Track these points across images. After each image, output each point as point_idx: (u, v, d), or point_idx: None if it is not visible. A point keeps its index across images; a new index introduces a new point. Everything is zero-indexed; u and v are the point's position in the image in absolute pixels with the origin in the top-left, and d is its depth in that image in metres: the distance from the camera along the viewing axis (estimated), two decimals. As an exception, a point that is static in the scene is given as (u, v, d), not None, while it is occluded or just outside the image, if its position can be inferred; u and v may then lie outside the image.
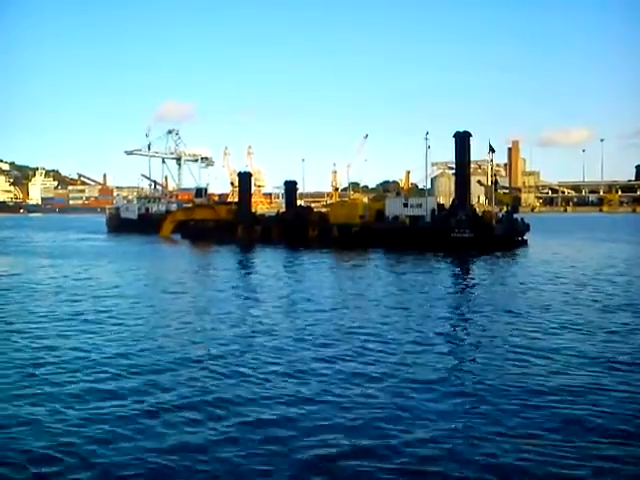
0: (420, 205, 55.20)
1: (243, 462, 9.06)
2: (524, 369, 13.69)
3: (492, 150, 58.12)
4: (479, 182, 77.77)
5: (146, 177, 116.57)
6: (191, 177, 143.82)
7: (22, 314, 21.17)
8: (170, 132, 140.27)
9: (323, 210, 71.55)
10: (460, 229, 50.40)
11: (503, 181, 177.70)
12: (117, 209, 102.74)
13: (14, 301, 24.12)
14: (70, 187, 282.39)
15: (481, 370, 13.69)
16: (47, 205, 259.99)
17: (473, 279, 32.09)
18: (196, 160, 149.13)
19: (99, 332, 18.01)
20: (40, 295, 25.77)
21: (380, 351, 15.41)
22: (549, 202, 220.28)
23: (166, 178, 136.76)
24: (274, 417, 10.82)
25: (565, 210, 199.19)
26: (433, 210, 54.74)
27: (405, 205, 55.82)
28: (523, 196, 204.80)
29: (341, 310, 21.51)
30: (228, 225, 65.80)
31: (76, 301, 23.81)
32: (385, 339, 16.73)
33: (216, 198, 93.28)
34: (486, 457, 9.11)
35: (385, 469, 8.78)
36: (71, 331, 18.18)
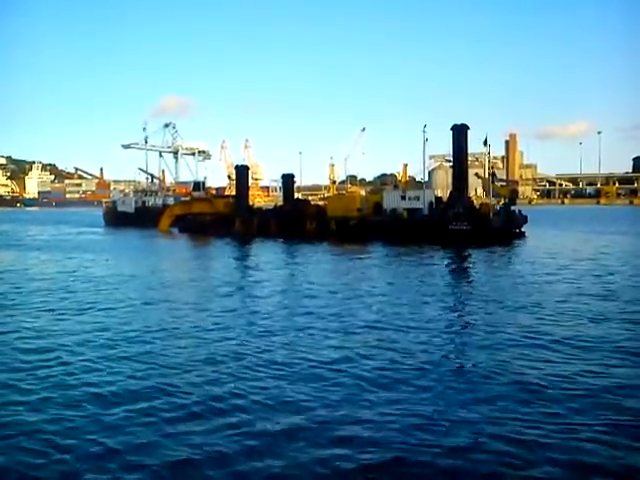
0: (418, 198, 55.18)
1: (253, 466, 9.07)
2: (523, 361, 13.73)
3: (485, 143, 58.25)
4: (476, 175, 77.51)
5: (143, 171, 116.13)
6: (188, 171, 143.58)
7: (26, 312, 21.11)
8: (167, 125, 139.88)
9: (321, 203, 71.36)
10: (457, 222, 50.42)
11: (500, 174, 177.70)
12: (114, 203, 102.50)
13: (17, 299, 23.96)
14: (67, 181, 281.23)
15: (479, 363, 13.73)
16: (44, 199, 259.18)
17: (470, 271, 32.17)
18: (193, 153, 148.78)
19: (106, 330, 17.92)
20: (41, 290, 25.66)
21: (380, 346, 15.44)
22: (546, 194, 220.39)
23: (163, 172, 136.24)
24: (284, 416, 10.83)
25: (562, 202, 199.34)
26: (431, 203, 54.74)
27: (403, 198, 55.75)
28: (520, 189, 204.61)
29: (340, 304, 21.46)
30: (226, 218, 65.66)
31: (79, 300, 23.43)
32: (385, 332, 16.74)
33: (213, 191, 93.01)
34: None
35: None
36: (77, 332, 17.96)
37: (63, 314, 19.88)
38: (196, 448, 9.23)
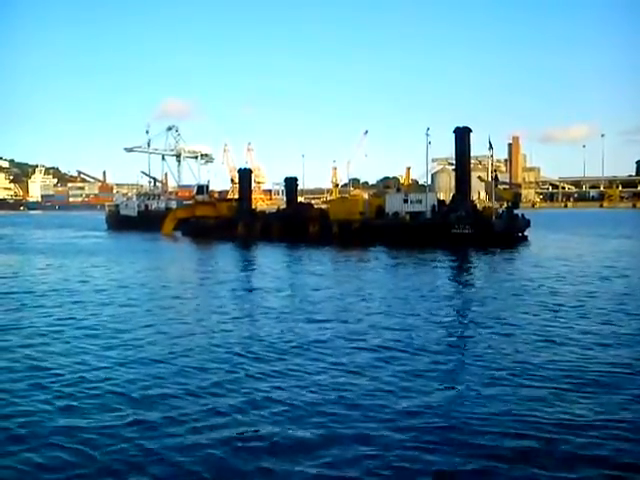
0: (420, 201, 55.15)
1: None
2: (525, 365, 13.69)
3: (490, 146, 58.43)
4: (479, 178, 77.72)
5: (146, 174, 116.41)
6: (191, 174, 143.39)
7: (36, 317, 21.13)
8: (170, 129, 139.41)
9: (323, 206, 71.47)
10: (460, 225, 50.35)
11: (503, 177, 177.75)
12: (117, 206, 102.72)
13: (24, 304, 23.87)
14: (70, 184, 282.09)
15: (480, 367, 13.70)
16: (47, 202, 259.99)
17: (472, 275, 32.09)
18: (196, 157, 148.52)
19: (108, 348, 17.91)
20: (47, 296, 25.58)
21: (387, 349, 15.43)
22: (549, 198, 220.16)
23: (166, 175, 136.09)
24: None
25: (565, 206, 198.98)
26: (433, 206, 54.70)
27: (405, 201, 55.73)
28: (523, 192, 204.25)
29: (346, 310, 21.30)
30: (229, 222, 65.75)
31: (86, 307, 23.32)
32: (394, 339, 16.68)
33: (216, 195, 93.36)
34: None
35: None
36: (90, 342, 17.99)
37: (69, 321, 19.86)
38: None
